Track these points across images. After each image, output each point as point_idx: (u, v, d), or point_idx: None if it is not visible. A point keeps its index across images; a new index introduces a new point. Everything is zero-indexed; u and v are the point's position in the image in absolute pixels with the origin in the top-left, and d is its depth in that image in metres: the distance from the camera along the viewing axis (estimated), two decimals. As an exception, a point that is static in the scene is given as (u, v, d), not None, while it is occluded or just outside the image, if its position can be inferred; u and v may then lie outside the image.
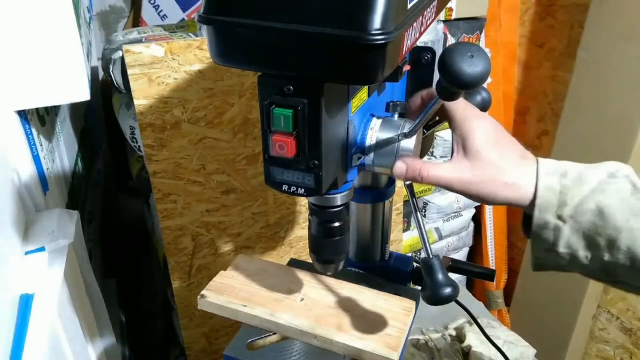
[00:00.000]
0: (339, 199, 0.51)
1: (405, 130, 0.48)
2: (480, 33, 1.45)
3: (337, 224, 0.53)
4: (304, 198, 0.92)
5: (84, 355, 0.68)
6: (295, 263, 0.71)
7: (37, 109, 0.73)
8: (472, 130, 0.48)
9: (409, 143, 0.48)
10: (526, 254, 1.71)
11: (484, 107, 0.56)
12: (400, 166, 0.48)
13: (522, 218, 0.52)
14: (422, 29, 0.44)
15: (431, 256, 0.48)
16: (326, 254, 0.55)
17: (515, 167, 0.48)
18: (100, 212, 1.30)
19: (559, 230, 0.46)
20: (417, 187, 1.46)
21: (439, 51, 0.58)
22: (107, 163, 1.50)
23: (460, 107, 0.50)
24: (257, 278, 0.65)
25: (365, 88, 0.48)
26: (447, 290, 0.47)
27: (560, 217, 0.46)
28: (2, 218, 0.56)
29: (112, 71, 0.94)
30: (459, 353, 0.92)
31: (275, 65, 0.37)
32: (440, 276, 0.47)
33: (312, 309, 0.61)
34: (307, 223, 0.55)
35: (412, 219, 1.51)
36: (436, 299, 0.47)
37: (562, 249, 0.47)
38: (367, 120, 0.49)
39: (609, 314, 1.45)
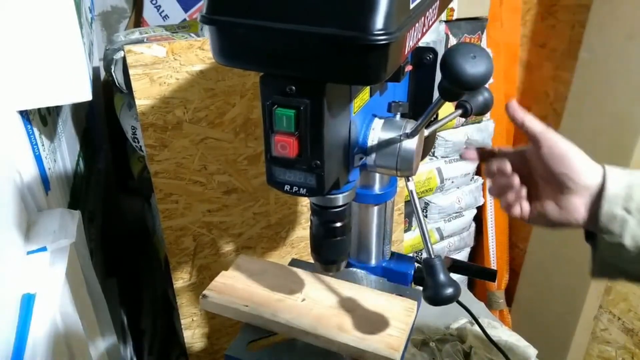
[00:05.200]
0: (340, 199, 0.51)
1: (408, 130, 0.48)
2: (482, 33, 1.44)
3: (338, 224, 0.53)
4: (306, 198, 0.92)
5: (85, 354, 0.68)
6: (296, 263, 0.71)
7: (39, 109, 0.73)
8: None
9: (411, 143, 0.48)
10: (527, 254, 1.71)
11: (486, 107, 0.56)
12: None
13: (584, 232, 0.58)
14: (424, 29, 0.44)
15: (433, 256, 0.48)
16: (328, 255, 0.55)
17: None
18: (102, 212, 1.30)
19: (626, 222, 0.51)
20: (418, 188, 1.46)
21: (441, 51, 0.58)
22: (109, 163, 1.50)
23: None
24: (259, 278, 0.65)
25: (367, 88, 0.48)
26: (449, 291, 0.47)
27: (627, 210, 0.51)
28: (4, 218, 0.56)
29: (113, 71, 0.94)
30: (460, 353, 0.92)
31: (277, 65, 0.37)
32: (442, 276, 0.47)
33: (313, 309, 0.61)
34: (309, 223, 0.55)
35: (414, 219, 1.51)
36: (438, 300, 0.47)
37: (627, 240, 0.52)
38: (369, 121, 0.49)
39: (611, 315, 1.45)
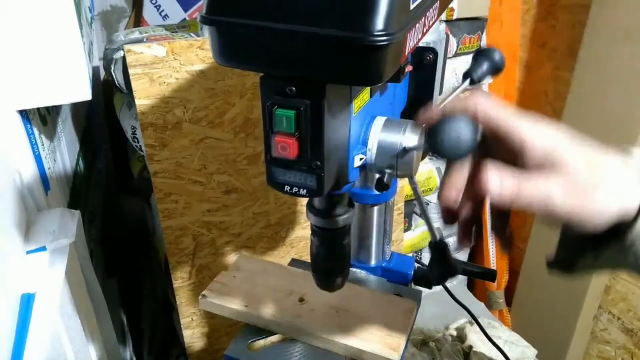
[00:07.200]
0: (340, 221, 0.51)
1: (408, 131, 0.48)
2: (482, 33, 1.44)
3: (339, 245, 0.53)
4: (306, 198, 0.92)
5: (85, 354, 0.68)
6: (296, 263, 0.71)
7: (38, 109, 0.73)
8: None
9: (411, 143, 0.48)
10: (527, 254, 1.71)
11: (496, 70, 0.54)
12: (494, 183, 0.40)
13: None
14: (425, 29, 0.44)
15: (439, 240, 0.51)
16: (329, 275, 0.55)
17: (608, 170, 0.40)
18: (102, 211, 1.30)
19: None
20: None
21: (441, 51, 0.58)
22: (109, 163, 1.50)
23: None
24: (258, 278, 0.65)
25: (368, 89, 0.48)
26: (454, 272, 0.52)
27: None
28: (3, 217, 0.56)
29: (113, 71, 0.94)
30: (460, 353, 0.92)
31: (277, 66, 0.37)
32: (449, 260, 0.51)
33: (313, 309, 0.61)
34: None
35: (413, 219, 1.51)
36: (443, 281, 0.53)
37: None
38: (369, 121, 0.49)
39: (610, 315, 1.45)
